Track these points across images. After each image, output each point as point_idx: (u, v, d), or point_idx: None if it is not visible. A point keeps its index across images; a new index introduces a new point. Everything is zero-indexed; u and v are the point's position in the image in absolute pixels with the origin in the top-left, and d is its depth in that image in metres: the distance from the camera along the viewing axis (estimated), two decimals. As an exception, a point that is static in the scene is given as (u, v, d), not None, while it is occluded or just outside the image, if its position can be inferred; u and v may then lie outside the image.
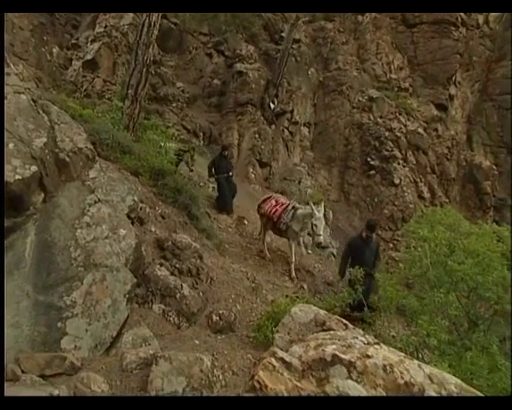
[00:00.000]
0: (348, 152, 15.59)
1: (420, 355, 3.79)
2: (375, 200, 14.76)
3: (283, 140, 15.18)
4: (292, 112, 15.73)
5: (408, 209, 14.11)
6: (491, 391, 3.16)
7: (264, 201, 10.86)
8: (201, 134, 14.54)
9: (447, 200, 15.66)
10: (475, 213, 15.83)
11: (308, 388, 1.94)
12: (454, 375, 2.20)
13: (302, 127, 15.73)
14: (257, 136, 14.63)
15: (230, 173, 12.09)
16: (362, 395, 1.90)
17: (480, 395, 2.07)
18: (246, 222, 11.48)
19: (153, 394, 5.24)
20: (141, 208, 7.75)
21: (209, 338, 6.78)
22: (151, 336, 6.22)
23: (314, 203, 9.71)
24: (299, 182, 13.99)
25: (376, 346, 2.14)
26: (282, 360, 2.00)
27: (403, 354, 2.14)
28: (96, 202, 6.38)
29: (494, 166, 18.60)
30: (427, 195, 15.48)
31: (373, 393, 1.92)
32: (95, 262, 6.04)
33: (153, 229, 7.90)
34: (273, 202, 10.48)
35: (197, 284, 7.58)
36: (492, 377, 3.41)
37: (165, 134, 10.52)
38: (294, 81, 15.88)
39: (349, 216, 14.41)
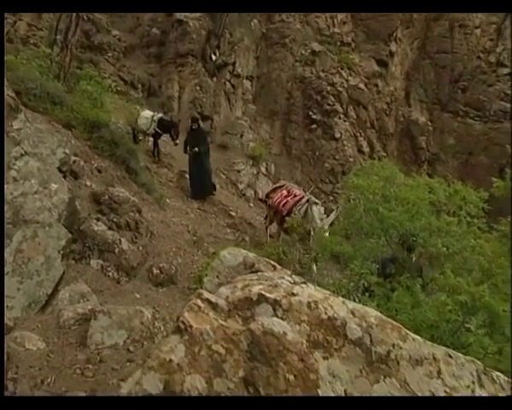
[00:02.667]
0: (290, 106, 15.58)
1: (352, 297, 3.97)
2: (317, 154, 14.98)
3: (225, 93, 14.90)
4: (234, 64, 15.40)
5: (348, 163, 14.47)
6: (412, 324, 3.39)
7: (275, 190, 9.47)
8: (140, 86, 13.93)
9: (385, 154, 16.18)
10: (411, 166, 16.49)
11: (234, 326, 1.95)
12: (380, 312, 2.31)
13: (244, 80, 15.48)
14: (198, 88, 14.23)
15: (196, 149, 10.74)
16: (286, 330, 1.94)
17: (400, 326, 2.18)
18: (187, 176, 11.33)
19: (92, 347, 5.21)
20: (74, 162, 7.42)
21: (150, 291, 6.77)
22: (89, 291, 6.10)
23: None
24: (241, 136, 13.88)
25: (303, 285, 2.18)
26: (208, 300, 1.99)
27: (328, 292, 2.20)
28: (22, 155, 6.02)
29: (429, 123, 19.34)
30: (366, 149, 15.90)
31: (297, 328, 1.96)
32: (24, 219, 5.77)
33: (88, 183, 7.62)
34: (284, 192, 9.00)
35: (136, 238, 7.47)
36: (414, 313, 3.65)
37: (100, 85, 9.98)
38: (237, 32, 15.48)
39: (291, 170, 14.58)
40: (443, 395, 2.13)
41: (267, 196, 9.64)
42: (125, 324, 5.39)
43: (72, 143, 7.92)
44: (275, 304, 2.01)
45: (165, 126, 11.49)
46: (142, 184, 9.19)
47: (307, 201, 8.14)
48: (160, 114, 11.90)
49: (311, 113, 15.43)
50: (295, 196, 8.68)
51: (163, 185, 10.71)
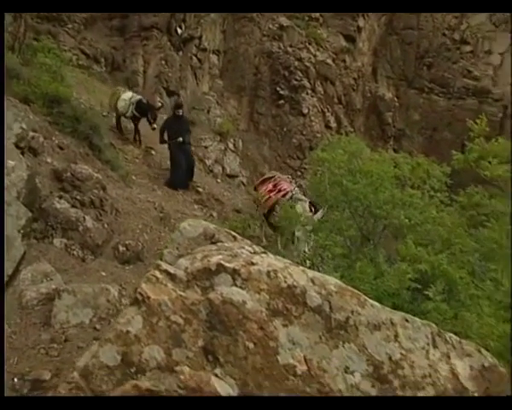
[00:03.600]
0: (258, 81, 15.43)
1: (316, 269, 4.02)
2: (284, 129, 14.95)
3: (191, 68, 14.59)
4: (200, 38, 15.07)
5: (315, 138, 14.52)
6: (375, 294, 3.47)
7: (263, 182, 8.76)
8: (103, 60, 13.47)
9: (352, 130, 16.31)
10: (377, 142, 16.70)
11: (192, 297, 1.93)
12: (344, 283, 2.34)
13: (211, 55, 15.19)
14: (163, 62, 13.87)
15: (180, 139, 10.03)
16: (245, 299, 1.94)
17: (359, 293, 2.22)
18: (153, 153, 11.14)
19: (57, 327, 5.13)
20: (33, 138, 7.16)
21: (116, 269, 6.70)
22: (53, 271, 5.98)
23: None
24: (208, 111, 13.68)
25: (263, 255, 2.17)
26: (167, 271, 1.96)
27: (288, 261, 2.20)
28: (-25, 130, 5.76)
29: (395, 99, 19.56)
30: (333, 124, 15.98)
31: (257, 297, 1.96)
32: (-21, 197, 5.56)
33: (49, 160, 7.39)
34: (270, 187, 8.24)
35: (101, 215, 7.34)
36: (377, 283, 3.73)
37: (59, 58, 9.59)
38: (203, 5, 15.09)
39: (258, 145, 14.53)
40: (399, 357, 2.19)
41: (255, 188, 9.12)
42: (90, 302, 5.32)
43: (31, 118, 7.64)
44: (234, 273, 2.00)
45: (143, 109, 10.92)
46: (107, 160, 8.99)
47: (291, 198, 7.63)
48: (139, 96, 11.29)
49: (278, 88, 15.34)
50: (279, 191, 8.05)
51: (129, 162, 10.50)
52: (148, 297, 1.87)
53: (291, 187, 8.03)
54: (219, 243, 2.27)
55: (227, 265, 2.02)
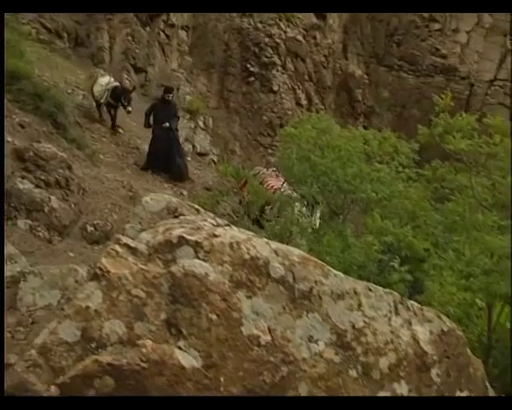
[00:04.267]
0: (228, 58, 15.20)
1: (285, 243, 4.03)
2: (255, 107, 14.84)
3: (159, 44, 14.22)
4: (168, 13, 14.68)
5: (286, 116, 14.47)
6: (342, 266, 3.52)
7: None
8: (66, 35, 12.95)
9: (323, 107, 16.33)
10: (348, 119, 16.77)
11: (154, 270, 1.91)
12: (312, 255, 2.35)
13: (180, 31, 14.83)
14: (130, 38, 13.46)
15: (167, 124, 9.50)
16: (208, 271, 1.92)
17: (322, 263, 2.23)
18: (121, 131, 10.89)
19: (23, 310, 5.02)
20: (-9, 115, 6.89)
21: (85, 250, 6.58)
22: (17, 253, 5.81)
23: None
24: (178, 89, 13.41)
25: (226, 227, 2.16)
26: (127, 245, 1.93)
27: (251, 233, 2.19)
28: None
29: (365, 76, 19.64)
30: (304, 102, 15.95)
31: (219, 269, 1.95)
32: None
33: (10, 139, 7.13)
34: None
35: (68, 195, 7.17)
36: (344, 255, 3.78)
37: (17, 32, 9.18)
38: (170, -22, 14.67)
39: (229, 123, 14.40)
40: (362, 325, 2.22)
41: (240, 188, 8.52)
42: (58, 283, 5.21)
43: (-12, 95, 7.33)
44: (196, 246, 1.98)
45: (117, 95, 10.27)
46: (72, 139, 8.75)
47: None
48: (116, 83, 10.60)
49: (248, 65, 15.17)
50: (269, 188, 7.30)
51: (96, 141, 10.25)
52: (108, 271, 1.83)
53: (279, 183, 7.39)
54: (182, 217, 2.24)
55: (189, 237, 2.00)
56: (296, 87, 16.03)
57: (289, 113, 14.68)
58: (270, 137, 14.16)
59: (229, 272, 1.99)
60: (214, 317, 1.91)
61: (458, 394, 2.46)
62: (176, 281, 1.91)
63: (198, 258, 1.97)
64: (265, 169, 9.69)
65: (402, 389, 2.30)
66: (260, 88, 15.12)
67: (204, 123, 13.09)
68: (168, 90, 10.37)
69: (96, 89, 10.46)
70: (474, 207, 4.91)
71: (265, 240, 2.19)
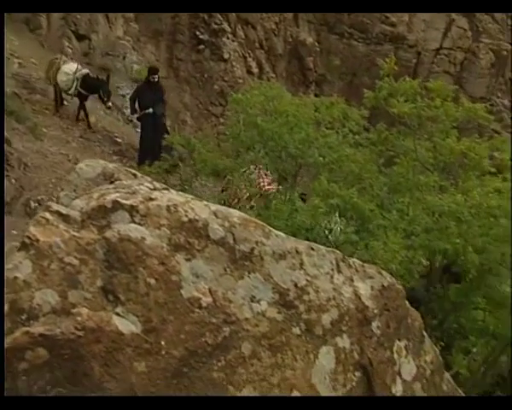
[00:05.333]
0: (176, 25, 14.72)
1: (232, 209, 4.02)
2: (205, 75, 14.55)
3: (102, 9, 13.54)
4: (111, -24, 13.95)
5: (237, 84, 14.27)
6: (289, 230, 3.55)
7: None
8: (-2, -1, 12.07)
9: (274, 75, 16.23)
10: (299, 87, 16.80)
11: (88, 236, 1.84)
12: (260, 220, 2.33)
13: (124, -5, 14.16)
14: (70, 3, 12.71)
15: (150, 110, 8.66)
16: (145, 235, 1.87)
17: (263, 224, 2.23)
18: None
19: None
20: None
21: (28, 227, 6.34)
22: (-46, 234, 5.53)
23: None
24: (124, 57, 12.90)
25: (164, 191, 2.10)
26: (58, 213, 1.84)
27: (190, 196, 2.15)
28: None
29: (316, 43, 19.61)
30: (255, 70, 15.78)
31: (157, 233, 1.91)
32: None
33: None
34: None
35: (7, 171, 6.84)
36: (292, 219, 3.82)
37: None
38: None
39: (179, 93, 14.05)
40: (304, 283, 2.26)
41: (222, 190, 7.95)
42: (0, 262, 5.01)
43: None
44: (131, 210, 1.92)
45: (92, 86, 9.34)
46: (11, 112, 8.28)
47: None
48: (85, 70, 9.73)
49: (198, 32, 14.77)
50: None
51: (37, 114, 9.75)
52: (37, 240, 1.75)
53: (269, 182, 6.60)
54: (118, 182, 2.16)
55: (124, 202, 1.93)
56: (247, 55, 15.81)
57: (240, 81, 14.49)
58: (221, 106, 13.96)
59: (167, 236, 1.95)
60: (152, 281, 1.87)
61: (397, 343, 2.57)
62: (111, 247, 1.85)
63: (134, 222, 1.91)
64: (253, 167, 9.16)
65: (344, 342, 2.37)
66: (210, 56, 14.81)
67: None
68: (153, 70, 9.53)
69: (62, 78, 9.42)
70: (417, 169, 5.06)
71: (205, 202, 2.15)
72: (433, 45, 20.59)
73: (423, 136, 5.42)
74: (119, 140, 9.96)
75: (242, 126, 4.97)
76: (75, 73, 9.38)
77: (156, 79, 9.41)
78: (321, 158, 4.65)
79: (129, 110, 9.85)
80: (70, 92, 9.59)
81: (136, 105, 9.32)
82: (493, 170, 5.02)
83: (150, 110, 8.83)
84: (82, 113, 10.03)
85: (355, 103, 6.91)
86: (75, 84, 9.36)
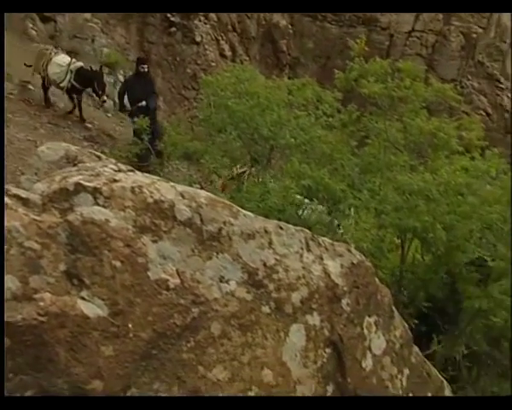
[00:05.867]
0: (146, 7, 14.36)
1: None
2: (177, 59, 14.30)
3: (69, -10, 13.11)
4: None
5: (210, 68, 14.10)
6: (261, 211, 3.55)
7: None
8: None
9: (247, 58, 16.08)
10: (273, 70, 16.68)
11: (49, 220, 1.79)
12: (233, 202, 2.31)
13: (91, -24, 13.71)
14: (34, -17, 12.26)
15: (143, 103, 7.94)
16: (109, 217, 1.83)
17: (231, 204, 2.22)
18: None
19: None
20: None
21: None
22: None
23: None
24: (93, 40, 12.55)
25: (129, 172, 2.06)
26: (17, 196, 1.78)
27: (157, 178, 2.12)
28: None
29: (290, 26, 19.48)
30: (228, 53, 15.59)
31: (121, 215, 1.87)
32: None
33: None
34: None
35: (-28, 158, 6.62)
36: (264, 201, 3.82)
37: None
38: None
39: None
40: (273, 262, 2.26)
41: (222, 189, 7.46)
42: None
43: None
44: (95, 192, 1.88)
45: (86, 79, 8.76)
46: (-31, 96, 7.99)
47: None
48: (79, 63, 9.10)
49: (169, 14, 14.46)
50: None
51: (0, 99, 9.41)
52: (-5, 224, 1.69)
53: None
54: (81, 164, 2.11)
55: (87, 184, 1.89)
56: (220, 38, 15.60)
57: (213, 64, 14.32)
58: (194, 90, 13.76)
59: (132, 217, 1.91)
60: (118, 264, 1.84)
61: (367, 319, 2.61)
62: (74, 230, 1.81)
63: (98, 205, 1.87)
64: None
65: (314, 320, 2.39)
66: (182, 39, 14.54)
67: (124, 77, 12.43)
68: (142, 60, 8.88)
69: (54, 70, 8.87)
70: (388, 150, 5.11)
71: (171, 183, 2.12)
72: (406, 28, 20.73)
73: (394, 116, 5.46)
74: (89, 125, 9.73)
75: (213, 109, 4.92)
76: (69, 65, 8.89)
77: (146, 70, 8.70)
78: (292, 139, 4.65)
79: (117, 106, 9.20)
80: (62, 85, 9.07)
81: (126, 100, 8.70)
82: (461, 149, 5.11)
83: (143, 103, 8.09)
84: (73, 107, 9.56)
85: (329, 86, 6.90)
86: (68, 76, 8.87)
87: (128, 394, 1.82)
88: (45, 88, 9.49)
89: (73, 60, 9.22)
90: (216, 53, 14.97)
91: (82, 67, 9.14)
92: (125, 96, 8.56)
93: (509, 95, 27.60)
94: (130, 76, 9.13)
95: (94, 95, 9.45)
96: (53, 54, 9.30)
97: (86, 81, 9.02)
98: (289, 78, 16.83)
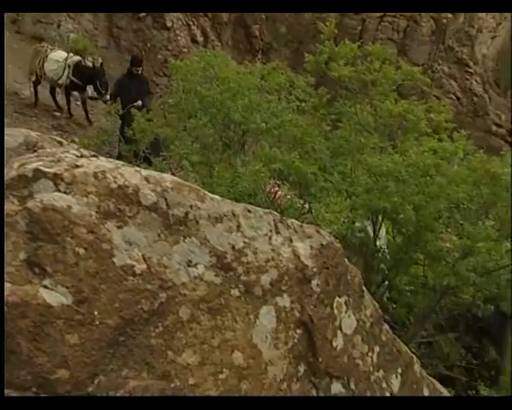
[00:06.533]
0: (114, -9, 14.02)
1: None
2: (148, 45, 14.03)
3: (32, -26, 12.66)
4: None
5: (182, 54, 13.88)
6: (232, 196, 3.54)
7: None
8: None
9: (220, 44, 15.91)
10: (246, 56, 16.56)
11: (8, 208, 1.75)
12: (204, 189, 2.29)
13: (55, -41, 13.27)
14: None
15: (140, 103, 7.50)
16: (71, 204, 1.79)
17: (198, 188, 2.19)
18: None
19: None
20: None
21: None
22: None
23: None
24: (59, 26, 12.19)
25: (92, 158, 2.02)
26: (-27, 185, 1.72)
27: (121, 163, 2.08)
28: None
29: (262, 11, 19.32)
30: (200, 38, 15.38)
31: (84, 201, 1.83)
32: None
33: None
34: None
35: None
36: (234, 186, 3.81)
37: None
38: None
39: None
40: (242, 245, 2.25)
41: (274, 197, 6.21)
42: None
43: None
44: (55, 178, 1.83)
45: (86, 75, 8.31)
46: None
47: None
48: (77, 57, 8.63)
49: (137, -1, 14.11)
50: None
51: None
52: None
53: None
54: (41, 150, 2.05)
55: (47, 170, 1.84)
56: (191, 23, 15.36)
57: (185, 50, 14.11)
58: (166, 76, 13.54)
59: (96, 203, 1.87)
60: (82, 251, 1.81)
61: (337, 299, 2.64)
62: (34, 217, 1.76)
63: (59, 191, 1.83)
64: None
65: (284, 301, 2.41)
66: (153, 24, 14.26)
67: (93, 64, 12.12)
68: (136, 62, 8.42)
69: (51, 66, 8.45)
70: (359, 133, 5.15)
71: (136, 168, 2.09)
72: (378, 12, 20.84)
73: (364, 100, 5.50)
74: (57, 114, 9.50)
75: (183, 94, 4.85)
76: (66, 59, 8.49)
77: (140, 72, 8.38)
78: (264, 124, 4.63)
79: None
80: (60, 82, 8.67)
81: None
82: (430, 131, 5.19)
83: (139, 103, 7.59)
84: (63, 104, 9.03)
85: (302, 71, 6.89)
86: (66, 72, 8.47)
87: (95, 382, 1.80)
88: (36, 85, 9.05)
89: (70, 54, 8.82)
90: (187, 39, 14.75)
91: (80, 61, 8.73)
92: (118, 98, 8.13)
93: (478, 79, 28.19)
94: (122, 78, 8.60)
95: (95, 93, 8.90)
96: (49, 51, 8.91)
97: (86, 78, 8.57)
98: (263, 63, 16.77)
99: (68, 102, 9.31)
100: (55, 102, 9.37)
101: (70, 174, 1.86)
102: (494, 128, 29.07)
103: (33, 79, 9.08)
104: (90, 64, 8.82)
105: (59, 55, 8.73)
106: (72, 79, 8.40)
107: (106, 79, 8.61)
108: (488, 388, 3.93)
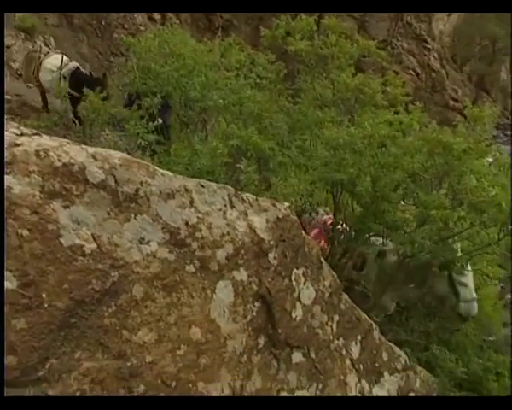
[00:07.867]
0: (64, -34, 13.39)
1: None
2: (103, 23, 13.55)
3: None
4: None
5: (139, 32, 13.47)
6: (190, 173, 3.50)
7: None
8: None
9: (178, 21, 15.54)
10: (205, 34, 16.25)
11: None
12: (161, 168, 2.23)
13: None
14: None
15: (159, 121, 5.25)
16: (11, 184, 1.72)
17: (147, 164, 2.15)
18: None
19: None
20: None
21: None
22: None
23: None
24: (5, 4, 11.55)
25: (34, 136, 1.93)
26: None
27: (65, 140, 2.01)
28: None
29: (221, -14, 18.95)
30: (157, 16, 14.98)
31: (26, 181, 1.76)
32: None
33: None
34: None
35: None
36: (191, 164, 3.76)
37: None
38: None
39: (75, 43, 12.99)
40: (196, 221, 2.23)
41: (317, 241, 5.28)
42: None
43: None
44: (-7, 158, 1.75)
45: (84, 85, 6.29)
46: None
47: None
48: (74, 64, 7.35)
49: (90, -25, 13.54)
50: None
51: None
52: None
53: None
54: (-22, 130, 1.95)
55: (-17, 149, 1.75)
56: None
57: (142, 29, 13.71)
58: (123, 56, 13.16)
59: (39, 183, 1.81)
60: (25, 232, 1.75)
61: (295, 271, 2.68)
62: (-29, 199, 1.68)
63: (-3, 171, 1.75)
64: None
65: (241, 275, 2.41)
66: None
67: (44, 44, 11.60)
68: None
69: (46, 77, 7.21)
70: (317, 107, 5.17)
71: (82, 146, 2.02)
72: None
73: (322, 74, 5.50)
74: (8, 97, 9.06)
75: (137, 72, 4.72)
76: (60, 68, 7.10)
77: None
78: (221, 100, 4.57)
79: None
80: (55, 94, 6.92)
81: None
82: (386, 104, 5.26)
83: (159, 121, 5.81)
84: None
85: (262, 48, 6.82)
86: (62, 83, 6.83)
87: (46, 366, 1.76)
88: (43, 95, 7.99)
89: (65, 60, 7.43)
90: (144, 17, 14.32)
91: (77, 70, 7.43)
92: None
93: (436, 55, 28.72)
94: (135, 92, 6.79)
95: None
96: (42, 56, 7.65)
97: (82, 85, 6.61)
98: (223, 40, 16.54)
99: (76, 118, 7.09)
100: (46, 106, 8.27)
101: (9, 153, 1.79)
102: (451, 103, 29.82)
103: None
104: (87, 72, 7.58)
105: (53, 61, 7.40)
106: (71, 92, 6.56)
107: (108, 91, 6.74)
108: (440, 347, 4.12)
